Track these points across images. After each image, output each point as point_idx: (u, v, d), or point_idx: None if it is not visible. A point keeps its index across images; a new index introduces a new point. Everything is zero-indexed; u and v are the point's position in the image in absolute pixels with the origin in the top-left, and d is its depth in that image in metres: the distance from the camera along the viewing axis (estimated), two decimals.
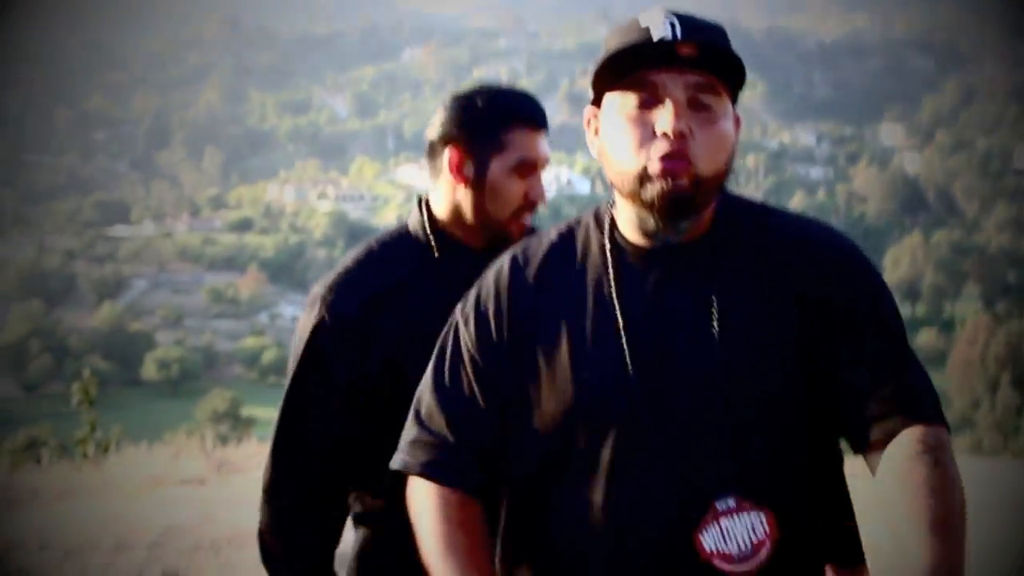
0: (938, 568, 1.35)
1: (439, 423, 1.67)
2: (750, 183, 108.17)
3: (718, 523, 1.54)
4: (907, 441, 1.48)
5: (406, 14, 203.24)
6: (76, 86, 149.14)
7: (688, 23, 1.53)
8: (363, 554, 2.26)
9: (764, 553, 1.54)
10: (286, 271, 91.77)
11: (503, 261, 1.72)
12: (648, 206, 1.55)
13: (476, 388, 1.66)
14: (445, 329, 1.73)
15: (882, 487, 1.44)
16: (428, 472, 1.66)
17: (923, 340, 69.01)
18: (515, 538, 1.69)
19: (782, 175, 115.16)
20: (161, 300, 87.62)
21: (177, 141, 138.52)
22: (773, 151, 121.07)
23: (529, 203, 2.17)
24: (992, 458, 7.11)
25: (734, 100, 1.61)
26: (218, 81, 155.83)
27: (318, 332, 2.14)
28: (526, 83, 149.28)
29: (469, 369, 1.67)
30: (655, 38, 1.51)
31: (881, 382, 1.54)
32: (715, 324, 1.58)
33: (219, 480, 5.84)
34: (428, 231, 2.20)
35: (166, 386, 68.61)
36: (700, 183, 1.54)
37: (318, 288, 2.19)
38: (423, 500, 1.65)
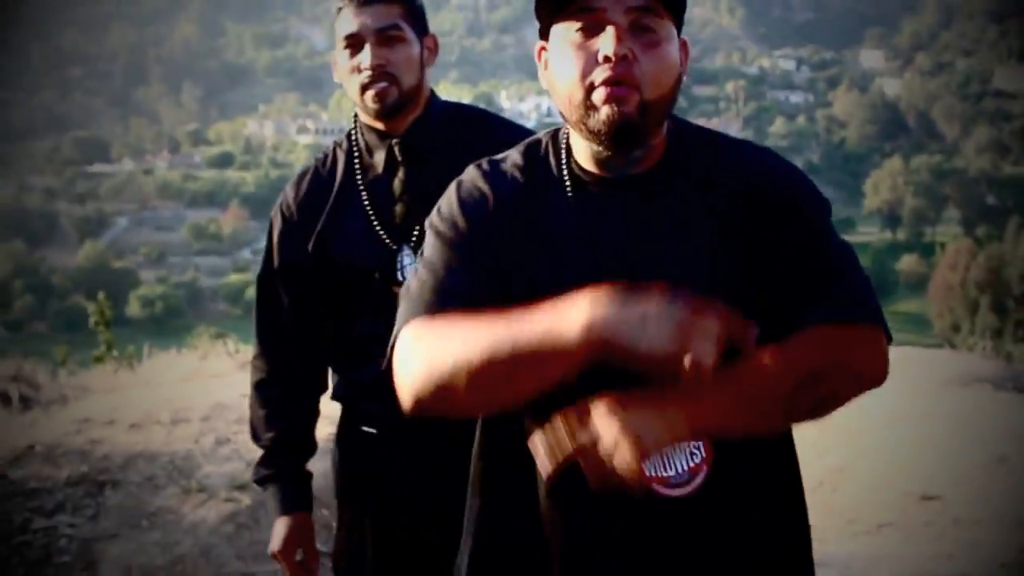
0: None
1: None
2: (730, 109, 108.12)
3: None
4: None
5: None
6: (49, 21, 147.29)
7: None
8: (339, 432, 2.46)
9: (701, 477, 1.56)
10: (267, 206, 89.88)
11: (473, 175, 1.68)
12: (595, 134, 1.53)
13: (465, 277, 1.59)
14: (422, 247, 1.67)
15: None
16: (430, 309, 1.55)
17: (904, 265, 69.55)
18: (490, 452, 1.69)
19: (762, 101, 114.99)
20: (143, 237, 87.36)
21: (154, 76, 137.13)
22: (753, 77, 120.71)
23: None
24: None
25: (679, 27, 1.59)
26: (194, 14, 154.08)
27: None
28: (505, 11, 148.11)
29: (459, 264, 1.59)
30: None
31: (804, 297, 1.54)
32: (673, 255, 1.57)
33: (244, 376, 6.27)
34: None
35: (151, 324, 68.24)
36: (647, 108, 1.52)
37: None
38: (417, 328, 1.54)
